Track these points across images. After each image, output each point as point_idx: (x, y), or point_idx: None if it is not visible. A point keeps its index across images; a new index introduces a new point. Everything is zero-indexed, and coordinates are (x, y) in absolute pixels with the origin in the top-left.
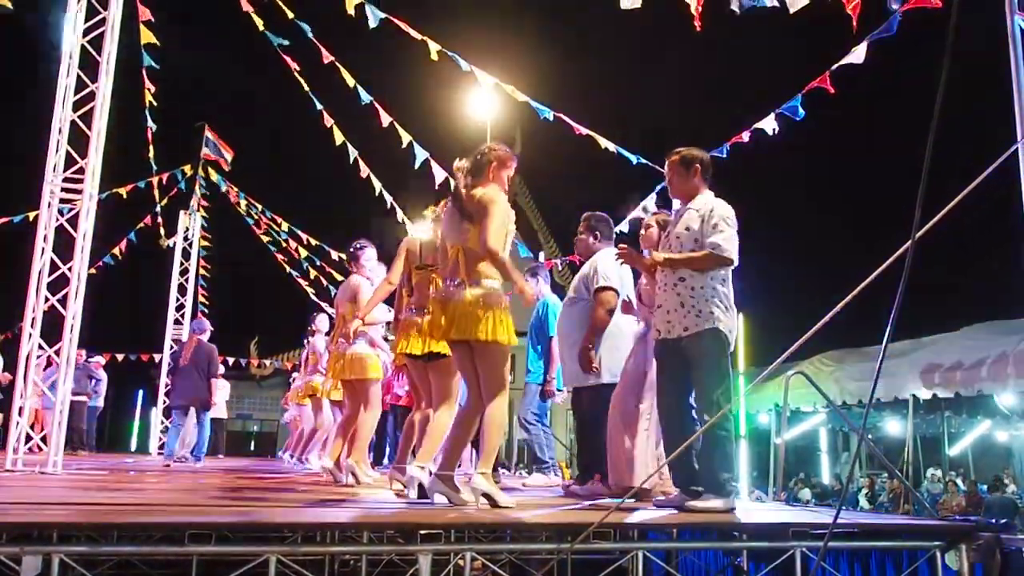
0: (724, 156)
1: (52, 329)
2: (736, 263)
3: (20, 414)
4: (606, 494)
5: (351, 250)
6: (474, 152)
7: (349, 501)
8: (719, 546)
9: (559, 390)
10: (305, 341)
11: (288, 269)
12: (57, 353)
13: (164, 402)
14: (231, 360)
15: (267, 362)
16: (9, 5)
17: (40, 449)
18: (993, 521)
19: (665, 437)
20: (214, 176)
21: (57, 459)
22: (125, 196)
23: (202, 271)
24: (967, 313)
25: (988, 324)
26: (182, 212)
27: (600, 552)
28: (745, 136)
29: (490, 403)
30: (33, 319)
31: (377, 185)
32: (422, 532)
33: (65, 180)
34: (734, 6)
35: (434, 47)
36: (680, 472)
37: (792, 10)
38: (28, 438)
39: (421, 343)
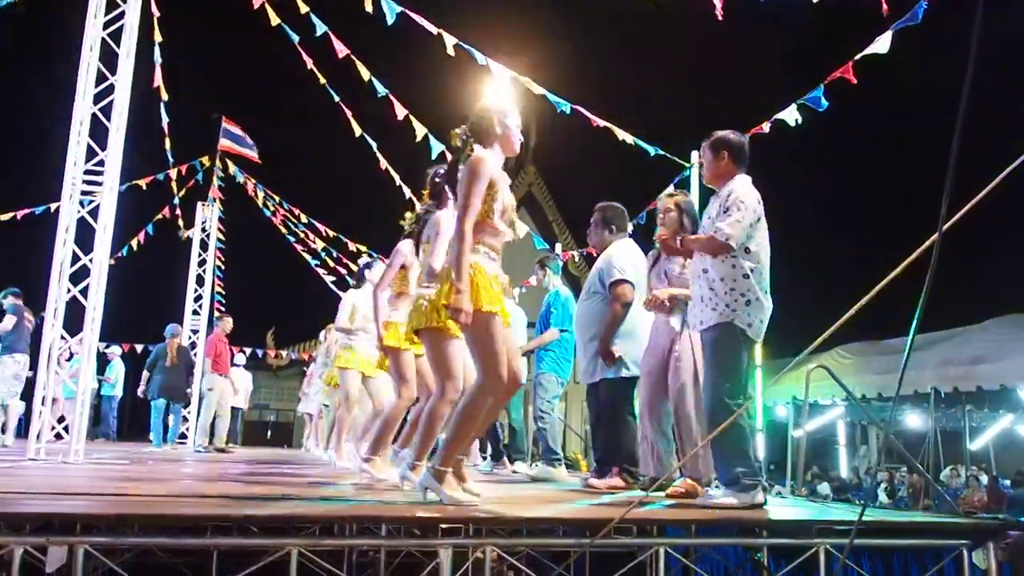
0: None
1: (71, 320)
2: (735, 247)
3: (43, 404)
4: (626, 487)
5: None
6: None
7: (367, 494)
8: (742, 542)
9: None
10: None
11: (307, 258)
12: (79, 343)
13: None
14: (248, 351)
15: (284, 352)
16: None
17: (60, 437)
18: (1022, 519)
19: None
20: (231, 167)
21: (79, 448)
22: (144, 187)
23: (218, 262)
24: (989, 306)
25: (1010, 317)
26: (200, 203)
27: (620, 547)
28: (766, 127)
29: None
30: (55, 310)
31: (396, 177)
32: (443, 526)
33: (86, 172)
34: None
35: (450, 41)
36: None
37: None
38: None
39: None
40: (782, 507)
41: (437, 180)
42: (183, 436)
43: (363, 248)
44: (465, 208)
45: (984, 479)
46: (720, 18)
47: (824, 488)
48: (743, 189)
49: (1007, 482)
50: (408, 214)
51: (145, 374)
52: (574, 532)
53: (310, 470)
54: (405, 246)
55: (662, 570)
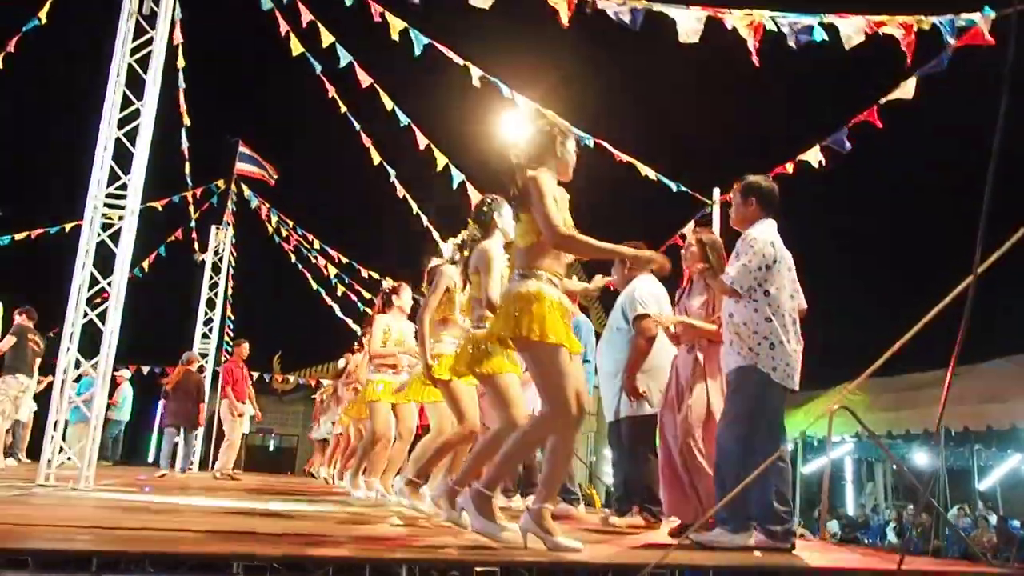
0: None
1: (84, 342)
2: (740, 292)
3: (55, 428)
4: (646, 526)
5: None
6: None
7: (399, 532)
8: None
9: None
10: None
11: (315, 285)
12: (94, 368)
13: None
14: (255, 375)
15: (291, 377)
16: None
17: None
18: None
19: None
20: (246, 191)
21: (89, 475)
22: (161, 209)
23: (229, 286)
24: (1000, 344)
25: (1021, 356)
26: (214, 227)
27: None
28: (789, 168)
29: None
30: (72, 334)
31: (413, 206)
32: (478, 569)
33: (108, 196)
34: (791, 42)
35: (476, 72)
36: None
37: (848, 46)
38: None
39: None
40: (813, 552)
41: (485, 209)
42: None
43: (375, 275)
44: (548, 218)
45: (993, 519)
46: (757, 65)
47: (833, 526)
48: (757, 234)
49: (1016, 523)
50: (452, 239)
51: (162, 402)
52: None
53: (343, 506)
54: (450, 270)
55: None
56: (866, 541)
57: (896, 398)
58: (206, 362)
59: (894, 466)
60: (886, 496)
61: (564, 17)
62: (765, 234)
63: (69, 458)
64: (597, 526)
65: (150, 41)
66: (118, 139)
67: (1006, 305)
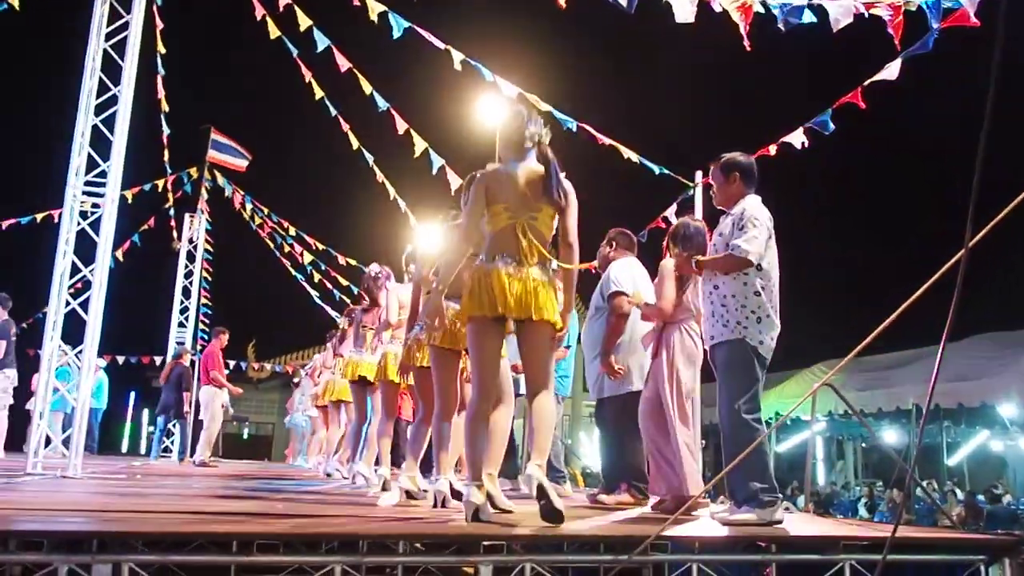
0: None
1: (65, 331)
2: (755, 263)
3: (41, 417)
4: (633, 503)
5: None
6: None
7: (400, 512)
8: (769, 559)
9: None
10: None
11: (292, 271)
12: (79, 356)
13: None
14: (231, 363)
15: (267, 365)
16: None
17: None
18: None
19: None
20: (220, 179)
21: (77, 463)
22: (131, 200)
23: (205, 274)
24: (971, 323)
25: (992, 335)
26: (188, 215)
27: (648, 564)
28: (772, 149)
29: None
30: (55, 322)
31: (391, 191)
32: (484, 543)
33: (86, 184)
34: (780, 25)
35: (457, 56)
36: (726, 483)
37: (836, 28)
38: (48, 441)
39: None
40: (801, 523)
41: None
42: (167, 450)
43: (352, 262)
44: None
45: (960, 494)
46: (748, 49)
47: (803, 503)
48: (757, 207)
49: (981, 497)
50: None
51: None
52: (613, 549)
53: (324, 486)
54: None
55: None
56: (838, 516)
57: (868, 378)
58: (183, 350)
59: (864, 444)
60: (856, 473)
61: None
62: (762, 208)
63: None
64: (586, 503)
65: (126, 26)
66: (95, 126)
67: (977, 286)
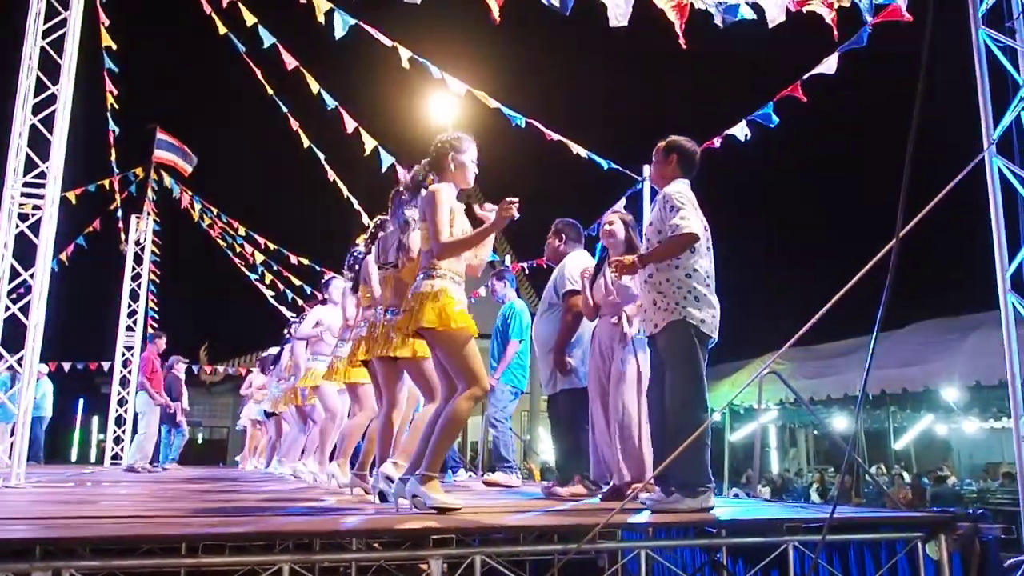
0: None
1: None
2: (700, 238)
3: None
4: (588, 494)
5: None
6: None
7: (347, 508)
8: (716, 543)
9: (521, 392)
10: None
11: (244, 271)
12: (19, 363)
13: (116, 411)
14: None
15: (220, 368)
16: None
17: None
18: (970, 512)
19: (653, 434)
20: (167, 180)
21: (20, 472)
22: (75, 201)
23: (153, 277)
24: (913, 310)
25: (934, 321)
26: (134, 216)
27: (600, 552)
28: (716, 142)
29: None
30: None
31: (344, 189)
32: (434, 537)
33: (25, 185)
34: (717, 21)
35: (405, 54)
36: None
37: (771, 25)
38: None
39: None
40: (744, 508)
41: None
42: (116, 457)
43: (305, 261)
44: (438, 230)
45: (907, 477)
46: (684, 46)
47: (764, 491)
48: (680, 190)
49: (926, 480)
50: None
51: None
52: (566, 538)
53: (277, 486)
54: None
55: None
56: (791, 502)
57: (817, 366)
58: (131, 355)
59: (816, 432)
60: (808, 460)
61: (495, 11)
62: (688, 191)
63: None
64: (541, 496)
65: (64, 22)
66: (33, 125)
67: (917, 273)
